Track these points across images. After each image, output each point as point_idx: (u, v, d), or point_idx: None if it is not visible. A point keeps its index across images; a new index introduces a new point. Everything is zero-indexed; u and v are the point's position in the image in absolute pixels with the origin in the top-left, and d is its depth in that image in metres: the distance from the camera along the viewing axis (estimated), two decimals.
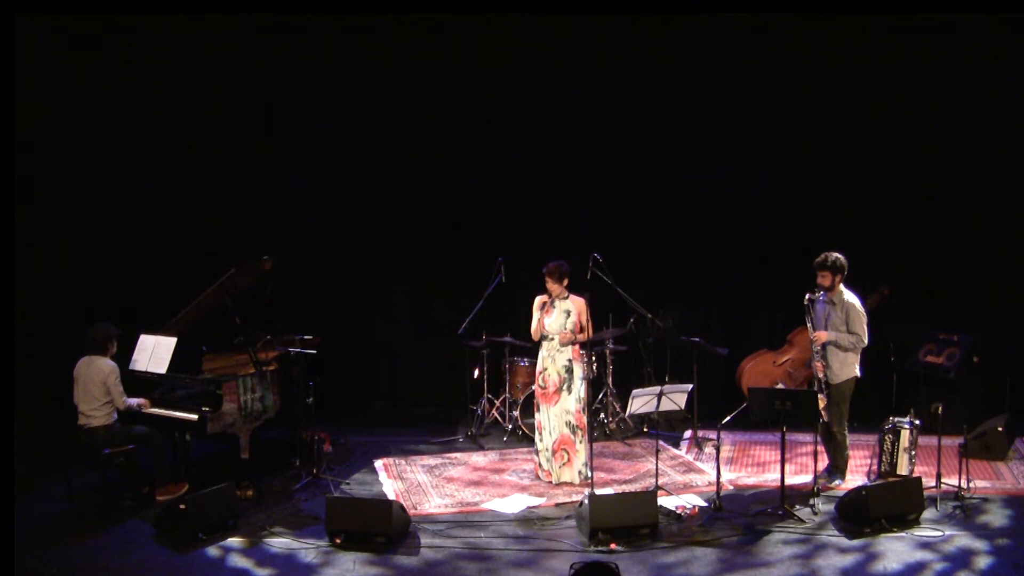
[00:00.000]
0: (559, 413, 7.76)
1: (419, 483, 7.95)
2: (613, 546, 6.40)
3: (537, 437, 7.90)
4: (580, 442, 7.75)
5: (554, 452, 7.77)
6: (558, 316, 7.75)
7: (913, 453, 7.64)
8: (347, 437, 9.28)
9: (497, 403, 9.53)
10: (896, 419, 7.70)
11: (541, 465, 7.86)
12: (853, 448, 7.86)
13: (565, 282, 7.72)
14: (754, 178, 10.02)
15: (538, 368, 7.88)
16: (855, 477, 7.72)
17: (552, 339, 7.78)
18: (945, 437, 7.30)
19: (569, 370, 7.76)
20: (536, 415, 7.92)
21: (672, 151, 10.00)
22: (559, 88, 9.95)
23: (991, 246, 9.59)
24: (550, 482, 7.76)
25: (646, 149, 10.05)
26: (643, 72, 9.83)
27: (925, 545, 6.37)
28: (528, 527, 6.89)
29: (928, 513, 6.79)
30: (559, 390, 7.75)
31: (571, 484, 7.69)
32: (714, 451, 7.34)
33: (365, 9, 9.20)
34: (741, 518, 6.90)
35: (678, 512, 6.94)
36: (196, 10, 8.84)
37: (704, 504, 7.13)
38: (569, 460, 7.76)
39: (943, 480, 7.11)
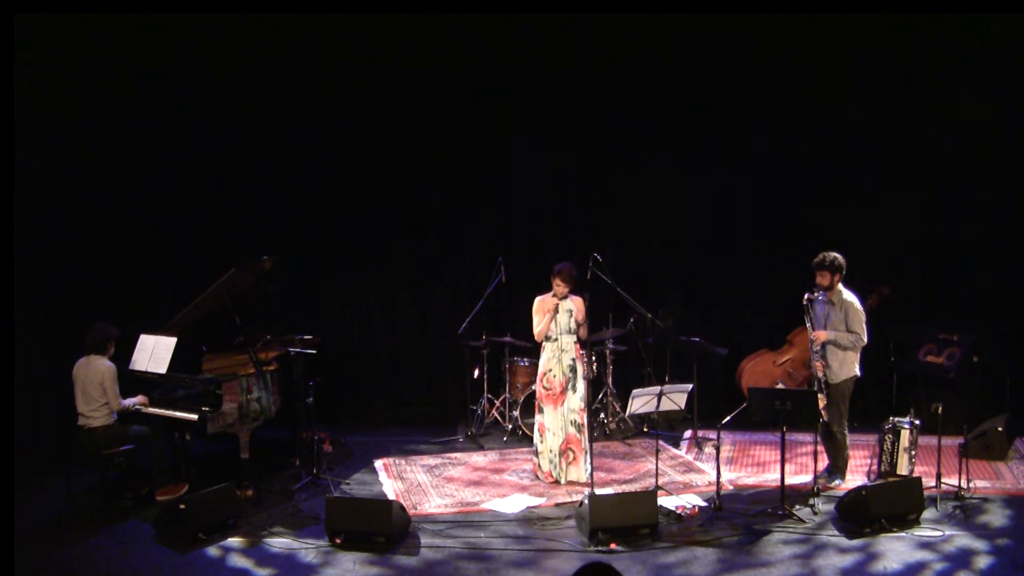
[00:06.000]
0: (565, 413, 7.76)
1: (419, 483, 7.95)
2: (613, 546, 6.40)
3: (538, 438, 7.89)
4: (584, 439, 7.76)
5: (561, 452, 7.77)
6: (562, 315, 7.77)
7: (913, 453, 7.64)
8: (347, 437, 9.28)
9: (497, 403, 9.53)
10: (896, 419, 7.70)
11: (541, 467, 7.86)
12: (853, 448, 7.86)
13: (572, 283, 7.75)
14: (754, 177, 10.01)
15: (541, 369, 7.86)
16: (855, 477, 7.72)
17: (556, 339, 7.78)
18: (945, 437, 7.30)
19: (573, 369, 7.78)
20: (537, 416, 7.91)
21: (672, 150, 9.99)
22: (559, 87, 9.95)
23: (991, 246, 9.59)
24: (553, 482, 7.76)
25: (645, 148, 10.04)
26: (642, 70, 9.82)
27: (925, 545, 6.37)
28: (528, 527, 6.89)
29: (928, 513, 6.79)
30: (565, 390, 7.76)
31: (578, 483, 7.67)
32: (714, 451, 7.33)
33: (366, 9, 9.19)
34: (741, 518, 6.91)
35: (678, 512, 6.94)
36: (196, 10, 8.84)
37: (704, 504, 7.13)
38: (575, 458, 7.76)
39: (943, 480, 7.11)
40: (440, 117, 10.02)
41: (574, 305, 7.79)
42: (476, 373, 9.45)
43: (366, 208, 10.20)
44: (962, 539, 6.46)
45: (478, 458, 8.64)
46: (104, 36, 8.95)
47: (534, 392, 8.04)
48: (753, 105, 9.78)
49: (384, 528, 6.51)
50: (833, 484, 7.50)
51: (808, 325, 7.42)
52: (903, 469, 7.59)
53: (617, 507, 6.60)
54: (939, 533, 6.53)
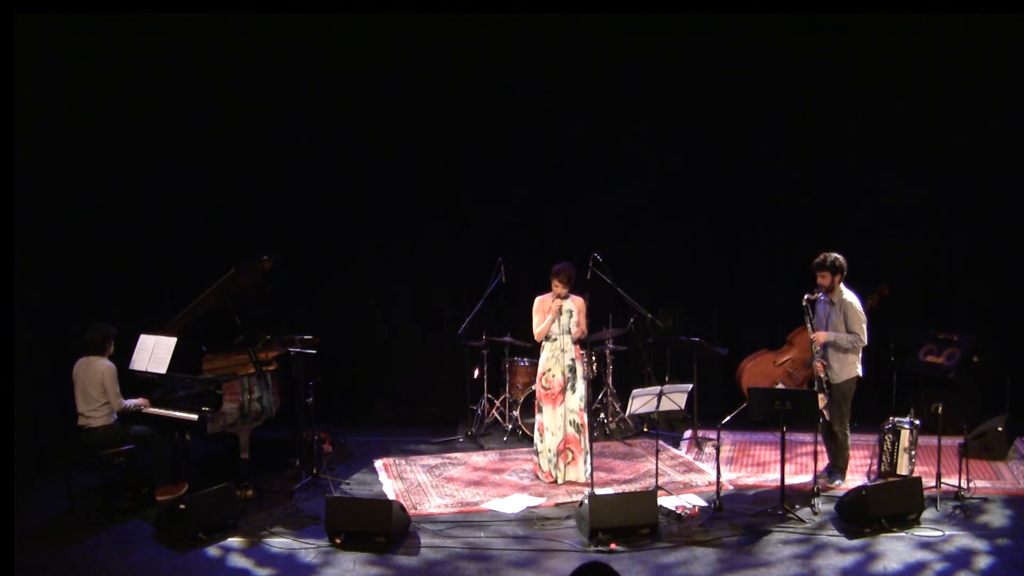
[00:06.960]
0: (564, 413, 7.76)
1: (419, 483, 7.95)
2: (613, 546, 6.40)
3: (537, 438, 7.90)
4: (583, 440, 7.76)
5: (559, 452, 7.77)
6: (562, 315, 7.77)
7: (913, 453, 7.64)
8: (347, 437, 9.28)
9: (497, 403, 9.53)
10: (896, 419, 7.71)
11: (541, 466, 7.86)
12: (853, 448, 7.86)
13: (571, 284, 7.75)
14: (754, 178, 10.01)
15: (541, 369, 7.87)
16: (855, 477, 7.72)
17: (555, 339, 7.78)
18: (945, 437, 7.30)
19: (572, 369, 7.78)
20: (537, 416, 7.91)
21: (672, 151, 9.99)
22: (559, 88, 9.95)
23: (991, 246, 9.58)
24: (553, 482, 7.76)
25: (646, 149, 10.05)
26: (643, 72, 9.83)
27: (925, 545, 6.37)
28: (528, 527, 6.89)
29: (928, 513, 6.79)
30: (563, 390, 7.76)
31: (577, 483, 7.67)
32: (714, 451, 7.34)
33: (366, 9, 9.20)
34: (741, 518, 6.91)
35: (678, 512, 6.94)
36: (196, 10, 8.84)
37: (704, 504, 7.13)
38: (574, 459, 7.77)
39: (943, 480, 7.11)
40: (440, 117, 10.01)
41: (575, 305, 7.79)
42: (476, 373, 9.45)
43: (366, 208, 10.19)
44: (962, 539, 6.46)
45: (478, 458, 8.64)
46: (104, 36, 8.94)
47: (534, 392, 8.04)
48: (753, 104, 9.78)
49: (384, 528, 6.51)
50: (833, 484, 7.50)
51: (808, 326, 7.42)
52: (903, 469, 7.59)
53: (617, 507, 6.60)
54: (939, 533, 6.53)
